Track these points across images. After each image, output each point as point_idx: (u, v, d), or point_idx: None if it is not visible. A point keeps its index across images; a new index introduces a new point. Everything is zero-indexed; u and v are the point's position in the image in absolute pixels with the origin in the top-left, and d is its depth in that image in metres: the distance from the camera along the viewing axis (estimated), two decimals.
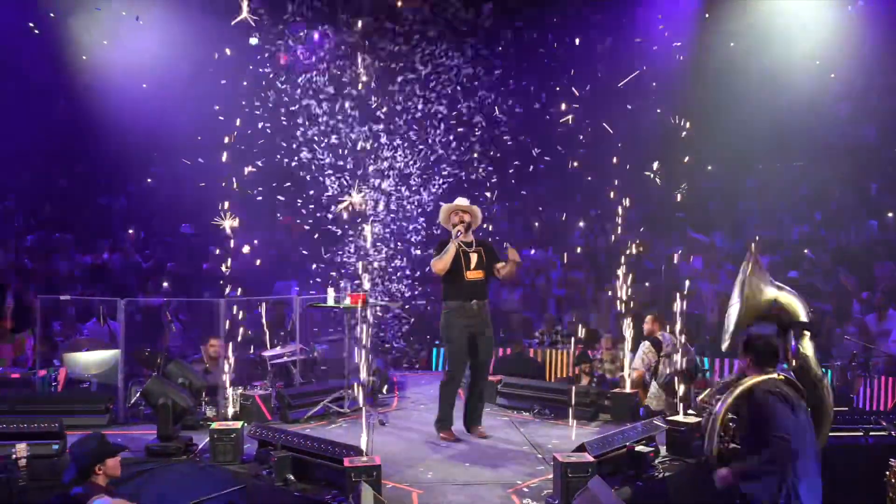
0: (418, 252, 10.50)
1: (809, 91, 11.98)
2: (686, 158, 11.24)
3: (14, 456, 5.44)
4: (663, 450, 6.02)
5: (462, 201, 6.85)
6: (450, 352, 6.75)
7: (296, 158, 10.50)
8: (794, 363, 4.70)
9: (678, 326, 7.12)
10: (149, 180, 11.89)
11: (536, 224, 13.46)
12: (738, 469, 4.50)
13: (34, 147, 12.03)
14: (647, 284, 11.00)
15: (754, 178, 13.63)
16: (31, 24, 10.77)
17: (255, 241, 11.70)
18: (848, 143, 12.98)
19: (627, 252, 9.21)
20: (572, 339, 9.13)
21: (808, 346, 4.66)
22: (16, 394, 7.42)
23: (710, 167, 12.84)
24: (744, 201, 13.47)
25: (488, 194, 10.71)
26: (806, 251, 11.44)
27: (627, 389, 7.51)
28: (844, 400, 7.79)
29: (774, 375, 4.49)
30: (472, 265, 6.60)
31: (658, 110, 12.20)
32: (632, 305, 8.06)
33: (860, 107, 13.15)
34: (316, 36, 10.75)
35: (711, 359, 9.38)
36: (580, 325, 10.38)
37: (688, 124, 11.22)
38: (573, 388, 7.59)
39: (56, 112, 11.87)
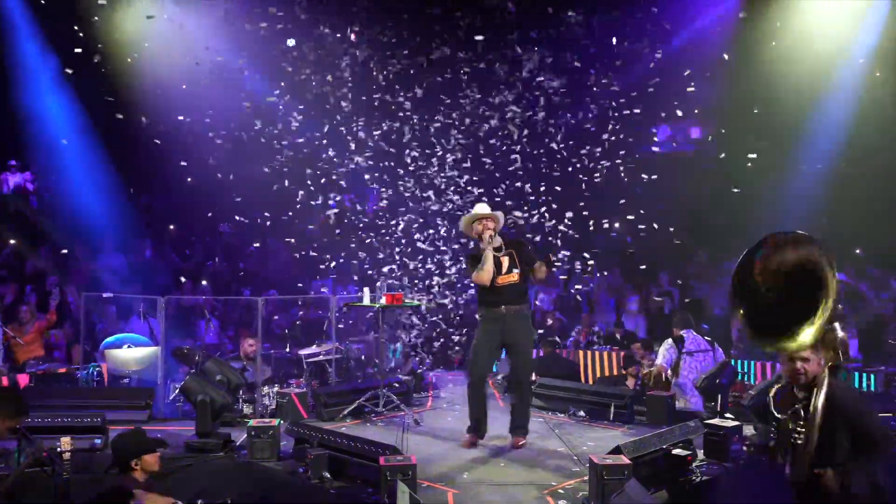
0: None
1: (854, 90, 11.69)
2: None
3: (58, 449, 5.57)
4: (700, 453, 5.94)
5: (482, 208, 6.73)
6: (470, 354, 6.68)
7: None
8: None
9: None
10: (189, 179, 12.04)
11: (570, 225, 13.38)
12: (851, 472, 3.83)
13: (79, 147, 12.28)
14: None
15: (796, 180, 13.36)
16: (75, 27, 10.97)
17: (292, 240, 11.82)
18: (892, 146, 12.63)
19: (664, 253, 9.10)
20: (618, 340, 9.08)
21: None
22: (60, 388, 7.59)
23: (749, 163, 12.58)
24: (784, 203, 13.22)
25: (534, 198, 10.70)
26: (857, 251, 11.19)
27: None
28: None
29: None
30: (504, 270, 6.46)
31: (696, 110, 12.04)
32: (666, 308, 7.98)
33: None
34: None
35: (747, 362, 9.23)
36: (616, 328, 10.32)
37: (723, 130, 11.08)
38: (608, 389, 7.55)
39: (99, 112, 12.07)
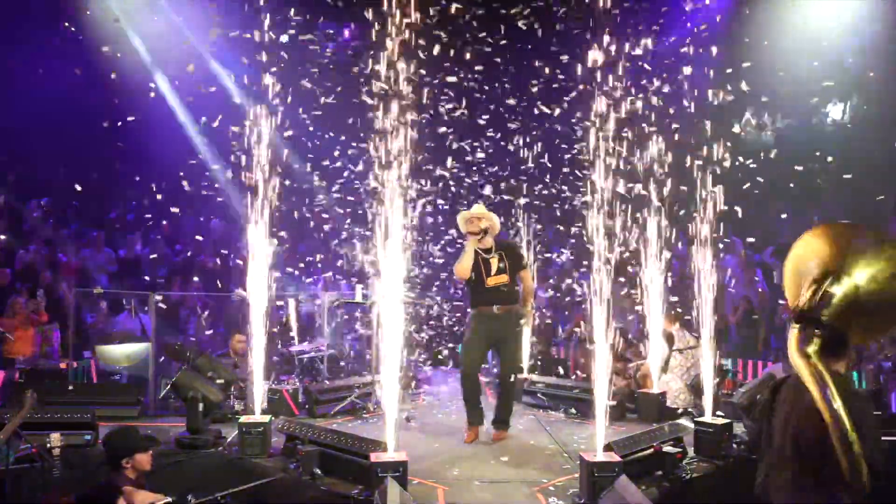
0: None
1: (846, 91, 11.74)
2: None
3: (48, 445, 5.56)
4: (691, 451, 5.97)
5: (477, 209, 6.76)
6: (461, 350, 6.81)
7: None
8: None
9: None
10: (180, 173, 12.04)
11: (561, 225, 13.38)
12: None
13: (68, 143, 12.27)
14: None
15: (789, 181, 13.39)
16: (66, 24, 10.98)
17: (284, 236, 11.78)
18: (885, 146, 12.66)
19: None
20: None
21: None
22: (49, 384, 7.55)
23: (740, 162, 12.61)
24: (778, 202, 13.24)
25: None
26: None
27: (656, 389, 7.51)
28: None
29: None
30: (493, 271, 6.52)
31: (692, 109, 12.04)
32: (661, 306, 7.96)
33: None
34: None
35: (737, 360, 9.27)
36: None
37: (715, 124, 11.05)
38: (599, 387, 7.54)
39: (89, 108, 12.06)
